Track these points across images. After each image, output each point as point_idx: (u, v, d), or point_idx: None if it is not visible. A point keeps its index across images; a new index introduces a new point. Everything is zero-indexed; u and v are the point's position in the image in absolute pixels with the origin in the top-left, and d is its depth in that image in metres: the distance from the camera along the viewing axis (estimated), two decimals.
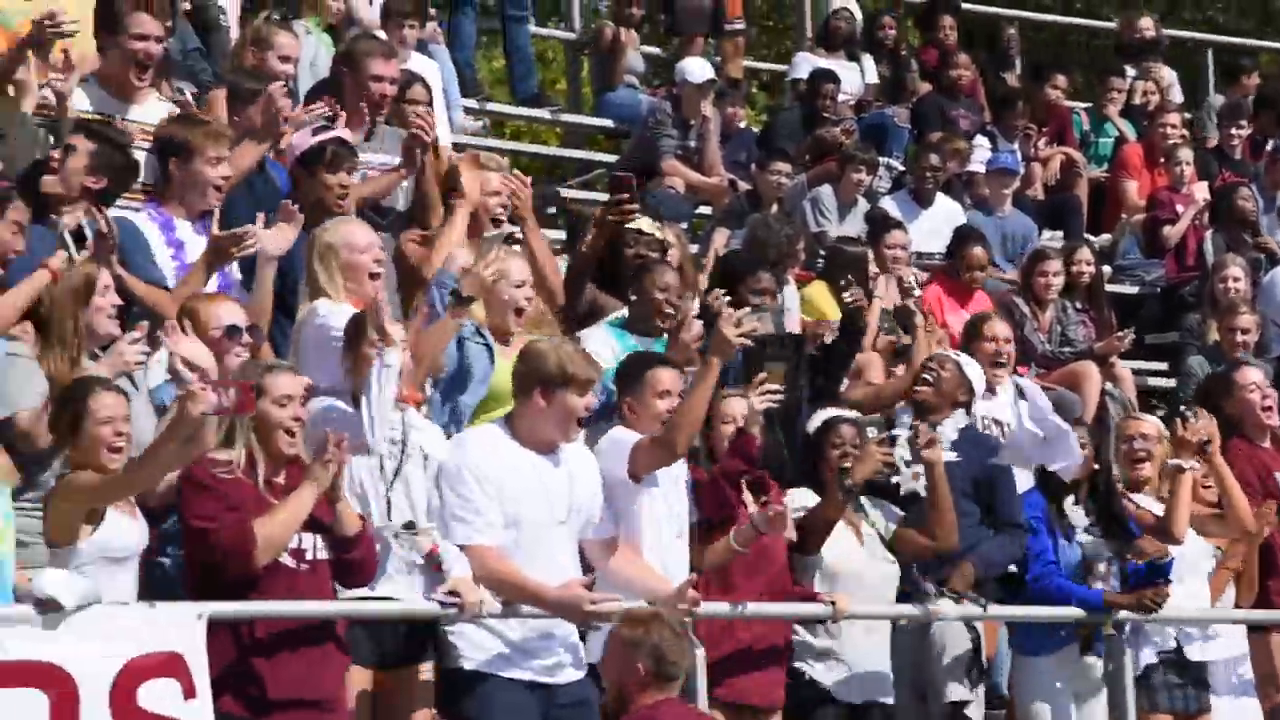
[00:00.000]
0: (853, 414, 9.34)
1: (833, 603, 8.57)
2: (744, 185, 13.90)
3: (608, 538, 8.05)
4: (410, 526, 7.60)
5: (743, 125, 15.10)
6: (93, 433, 7.08)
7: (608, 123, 15.47)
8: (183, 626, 7.07)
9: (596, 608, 7.59)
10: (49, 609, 6.83)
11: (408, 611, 7.60)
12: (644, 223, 10.12)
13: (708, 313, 9.17)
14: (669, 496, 8.21)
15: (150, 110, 9.31)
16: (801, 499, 8.90)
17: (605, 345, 8.91)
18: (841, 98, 15.09)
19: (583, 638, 7.84)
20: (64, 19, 9.20)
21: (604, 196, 13.75)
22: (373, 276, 8.18)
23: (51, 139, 8.96)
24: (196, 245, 8.56)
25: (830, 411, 9.23)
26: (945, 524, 8.97)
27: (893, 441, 8.82)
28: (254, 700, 7.18)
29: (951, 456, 9.24)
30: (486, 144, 13.46)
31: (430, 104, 10.76)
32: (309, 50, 11.64)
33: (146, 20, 9.32)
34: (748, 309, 8.68)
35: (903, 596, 9.02)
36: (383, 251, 8.37)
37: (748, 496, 8.58)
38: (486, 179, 9.30)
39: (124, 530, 7.15)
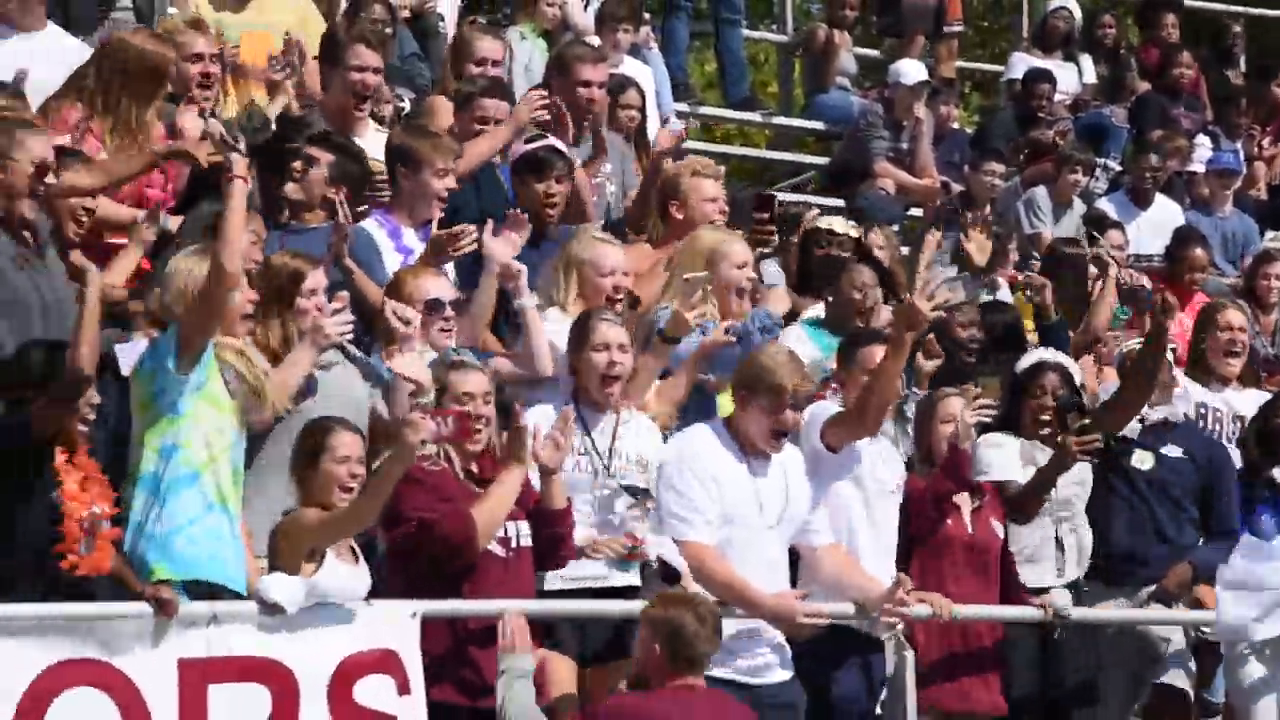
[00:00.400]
0: (1063, 359, 9.14)
1: (1044, 606, 8.46)
2: (957, 186, 13.79)
3: (823, 545, 8.01)
4: (635, 495, 7.61)
5: (956, 126, 14.98)
6: (328, 470, 7.15)
7: (818, 125, 15.43)
8: (398, 624, 7.20)
9: (809, 620, 7.60)
10: (273, 612, 6.99)
11: (624, 610, 7.62)
12: (836, 222, 10.10)
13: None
14: (874, 466, 8.15)
15: (370, 141, 9.43)
16: (998, 454, 8.75)
17: (801, 345, 8.89)
18: (1057, 97, 14.91)
19: None
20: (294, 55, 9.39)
21: (815, 199, 13.84)
22: (609, 301, 8.27)
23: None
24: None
25: (1041, 354, 9.10)
26: (1163, 375, 8.93)
27: (1088, 429, 8.64)
28: (470, 686, 7.28)
29: (1177, 452, 9.11)
30: (696, 147, 13.48)
31: (643, 108, 10.83)
32: (523, 55, 11.75)
33: (365, 52, 9.47)
34: (941, 280, 8.57)
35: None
36: (626, 277, 8.41)
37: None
38: (705, 186, 9.31)
39: (342, 576, 7.18)
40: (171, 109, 8.78)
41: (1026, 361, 9.00)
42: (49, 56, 9.07)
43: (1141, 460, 9.14)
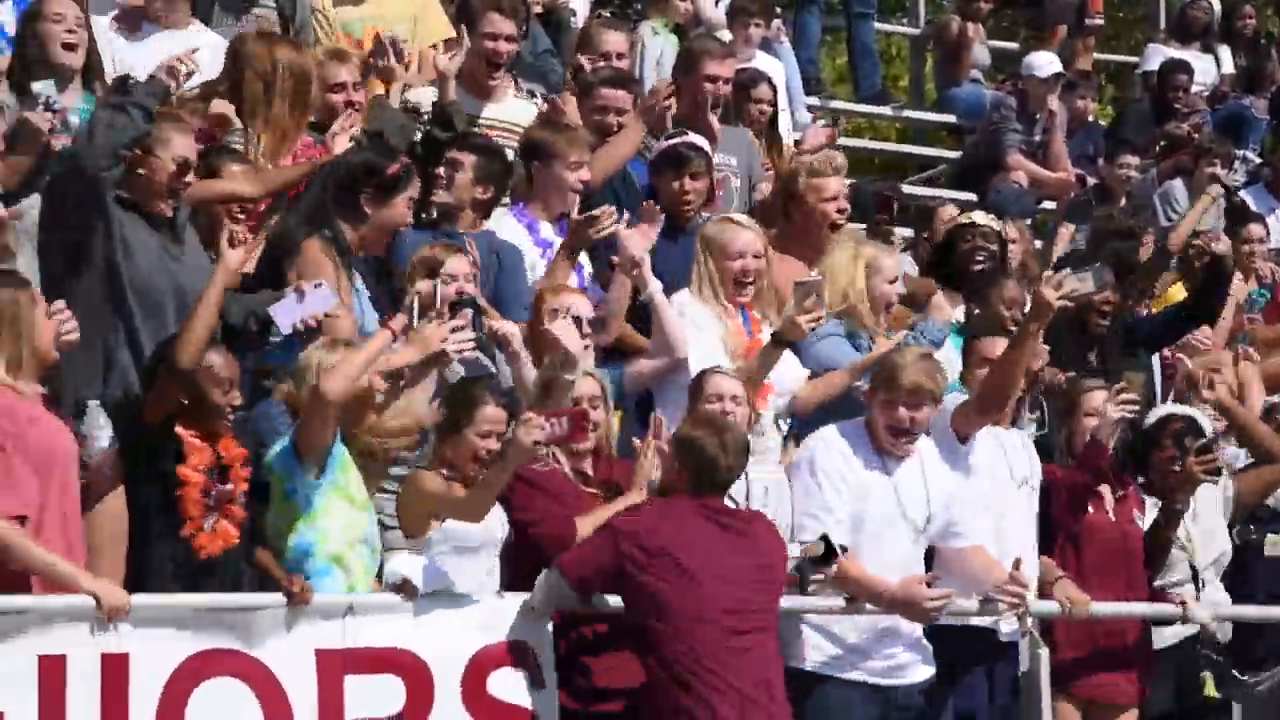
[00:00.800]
0: (1191, 411, 9.03)
1: (1183, 602, 8.39)
2: (1091, 180, 13.66)
3: (968, 546, 7.93)
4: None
5: (1091, 119, 14.83)
6: (469, 440, 7.22)
7: (949, 118, 15.33)
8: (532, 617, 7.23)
9: (936, 604, 7.54)
10: (405, 592, 7.05)
11: None
12: (978, 215, 10.05)
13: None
14: (1004, 456, 8.12)
15: (507, 109, 9.51)
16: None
17: (944, 350, 8.81)
18: (1195, 88, 14.71)
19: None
20: (401, 44, 9.45)
21: (947, 193, 13.75)
22: (739, 284, 8.23)
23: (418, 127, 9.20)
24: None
25: (1170, 408, 9.03)
26: (1263, 437, 8.86)
27: (1208, 449, 8.56)
28: (581, 691, 7.30)
29: None
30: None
31: (774, 102, 10.80)
32: (654, 50, 11.76)
33: (498, 19, 9.50)
34: (1067, 270, 8.47)
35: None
36: (757, 260, 8.38)
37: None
38: (824, 185, 9.27)
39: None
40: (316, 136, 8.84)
41: (1154, 416, 8.93)
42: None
43: (1274, 544, 8.99)
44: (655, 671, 6.93)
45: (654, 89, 9.57)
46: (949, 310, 9.03)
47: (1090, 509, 8.36)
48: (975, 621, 7.92)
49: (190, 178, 7.56)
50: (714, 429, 7.16)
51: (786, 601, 7.62)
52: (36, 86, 7.98)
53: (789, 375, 8.33)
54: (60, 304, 6.81)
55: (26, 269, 7.53)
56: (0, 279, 6.72)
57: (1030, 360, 8.13)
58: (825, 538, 7.51)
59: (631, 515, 7.13)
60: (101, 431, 6.75)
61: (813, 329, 8.19)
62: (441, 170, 8.54)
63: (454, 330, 7.41)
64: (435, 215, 8.61)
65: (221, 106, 8.46)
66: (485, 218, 8.68)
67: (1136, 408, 8.44)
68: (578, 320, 7.96)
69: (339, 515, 7.01)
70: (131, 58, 8.90)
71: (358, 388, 6.99)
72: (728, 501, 7.29)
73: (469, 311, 7.67)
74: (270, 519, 7.05)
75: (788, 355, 8.32)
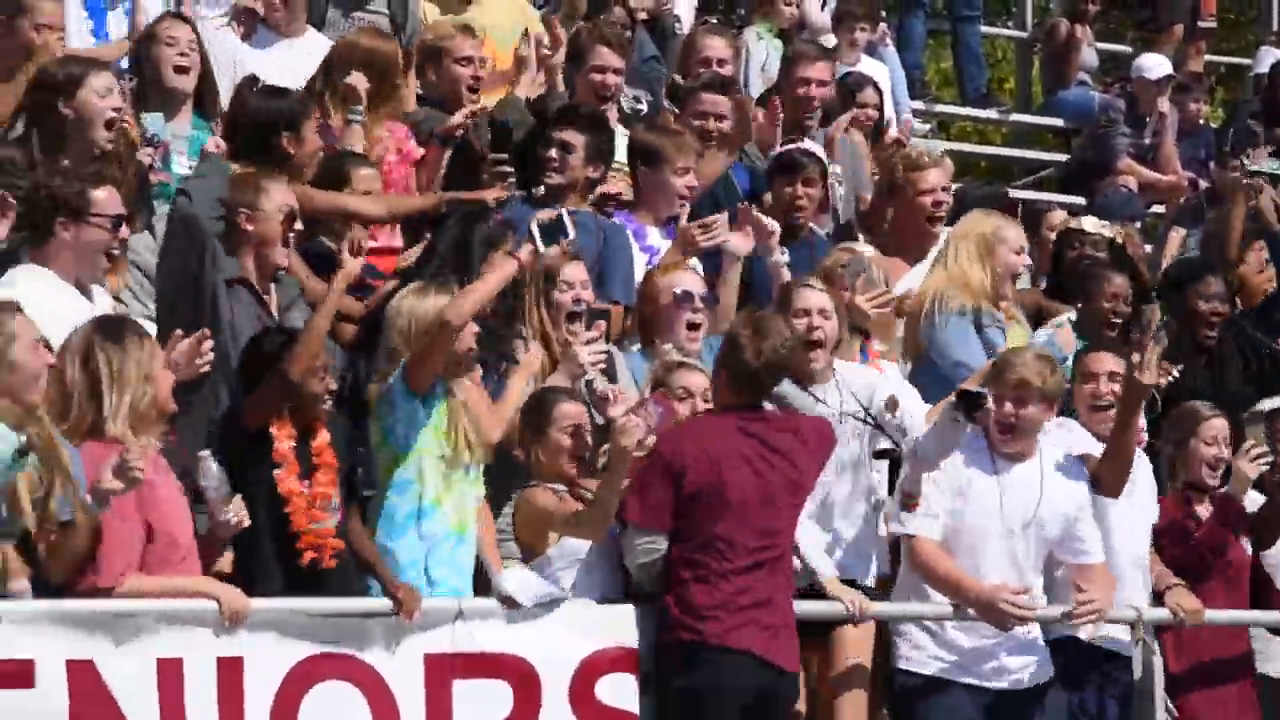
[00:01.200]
0: None
1: None
2: (1203, 183, 13.53)
3: (1088, 564, 7.81)
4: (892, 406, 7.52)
5: (1201, 121, 14.69)
6: (555, 438, 7.30)
7: (1057, 121, 15.23)
8: (640, 623, 7.22)
9: (1019, 612, 7.46)
10: (509, 606, 7.09)
11: (817, 613, 7.51)
12: (1088, 222, 9.98)
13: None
14: (1135, 494, 8.07)
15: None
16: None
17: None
18: None
19: None
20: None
21: (1056, 197, 13.65)
22: (824, 314, 8.22)
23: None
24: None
25: (1275, 402, 8.91)
26: None
27: None
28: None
29: None
30: (932, 145, 13.38)
31: (881, 106, 10.78)
32: (759, 55, 11.76)
33: (606, 53, 9.57)
34: (1150, 341, 8.33)
35: None
36: (843, 295, 8.28)
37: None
38: (921, 178, 9.22)
39: None
40: (434, 115, 8.90)
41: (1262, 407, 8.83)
42: (310, 60, 9.32)
43: None
44: (678, 571, 7.02)
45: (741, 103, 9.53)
46: (1073, 343, 8.95)
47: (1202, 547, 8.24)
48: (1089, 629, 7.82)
49: (299, 224, 7.60)
50: (758, 335, 7.13)
51: (899, 607, 7.62)
52: (145, 119, 8.08)
53: (909, 409, 8.17)
54: (179, 333, 6.87)
55: (131, 303, 7.64)
56: (121, 327, 6.69)
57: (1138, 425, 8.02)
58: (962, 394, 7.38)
59: (674, 438, 7.14)
60: (216, 480, 6.80)
61: (878, 306, 8.13)
62: (553, 152, 8.60)
63: (587, 342, 7.52)
64: (544, 192, 8.65)
65: (357, 80, 8.58)
66: (598, 204, 8.68)
67: (1270, 461, 8.28)
68: (688, 296, 7.92)
69: (438, 454, 7.05)
70: (254, 66, 9.03)
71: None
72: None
73: (603, 323, 7.72)
74: (373, 463, 7.09)
75: (908, 389, 8.21)
